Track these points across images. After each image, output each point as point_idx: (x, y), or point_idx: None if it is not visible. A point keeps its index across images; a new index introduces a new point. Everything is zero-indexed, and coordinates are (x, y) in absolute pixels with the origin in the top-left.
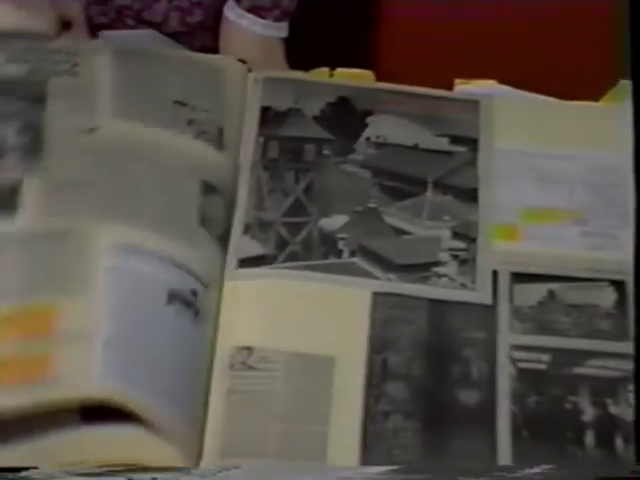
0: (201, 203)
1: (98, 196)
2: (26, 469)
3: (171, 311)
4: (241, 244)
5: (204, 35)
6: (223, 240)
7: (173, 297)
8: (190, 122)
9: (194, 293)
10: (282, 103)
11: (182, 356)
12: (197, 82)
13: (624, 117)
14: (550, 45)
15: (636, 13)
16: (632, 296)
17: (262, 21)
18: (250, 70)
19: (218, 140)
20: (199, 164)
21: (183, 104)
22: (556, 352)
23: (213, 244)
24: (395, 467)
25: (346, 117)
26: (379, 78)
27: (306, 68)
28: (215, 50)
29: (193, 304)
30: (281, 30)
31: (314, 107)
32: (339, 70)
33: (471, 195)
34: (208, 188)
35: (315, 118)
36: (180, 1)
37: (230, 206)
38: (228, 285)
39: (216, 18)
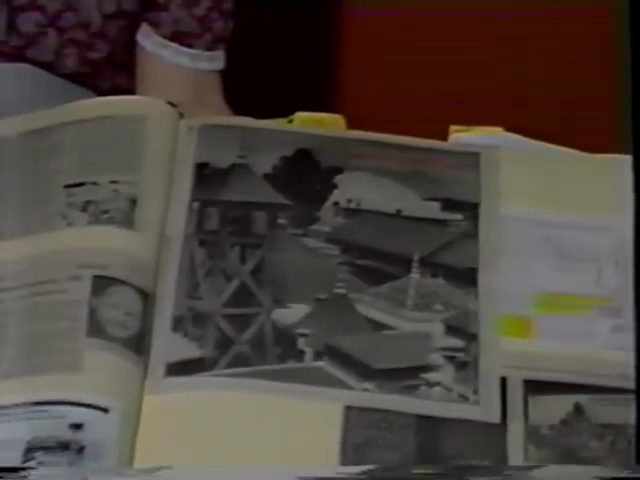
0: (93, 305)
1: None
2: (24, 469)
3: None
4: (170, 344)
5: (113, 73)
6: (137, 342)
7: (33, 450)
8: (86, 205)
9: (75, 427)
10: (223, 158)
11: None
12: (102, 145)
13: None
14: (570, 83)
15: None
16: None
17: (190, 51)
18: (182, 115)
19: (127, 216)
20: (92, 256)
21: (78, 185)
22: None
23: (116, 352)
24: (380, 466)
25: (307, 176)
26: (350, 125)
27: (254, 116)
28: (129, 92)
29: (72, 443)
30: (215, 61)
31: (265, 163)
32: (299, 114)
33: (469, 277)
34: (107, 282)
35: (267, 177)
36: (75, 33)
37: (149, 296)
38: (151, 400)
39: (128, 50)
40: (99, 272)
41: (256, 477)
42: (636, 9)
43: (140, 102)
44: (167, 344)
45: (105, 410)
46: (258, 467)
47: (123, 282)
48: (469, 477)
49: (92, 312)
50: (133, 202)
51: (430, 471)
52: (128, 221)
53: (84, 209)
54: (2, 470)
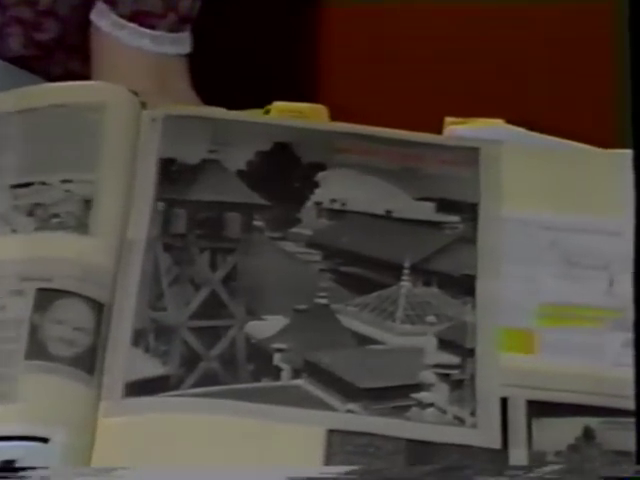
0: (36, 322)
1: None
2: (24, 469)
3: None
4: (129, 361)
5: (65, 58)
6: (89, 359)
7: None
8: (33, 209)
9: (6, 464)
10: (192, 153)
11: None
12: (54, 138)
13: None
14: (582, 71)
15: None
16: None
17: (152, 32)
18: (144, 105)
19: (80, 220)
20: (37, 267)
21: (25, 185)
22: None
23: (61, 373)
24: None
25: (286, 173)
26: (334, 116)
27: (226, 106)
28: (84, 79)
29: None
30: (181, 44)
31: (239, 158)
32: (277, 104)
33: (467, 285)
34: (53, 295)
35: (241, 174)
36: (20, 10)
37: (105, 308)
38: (107, 423)
39: (82, 31)
40: (44, 284)
41: (245, 477)
42: (636, 4)
43: (98, 89)
44: (126, 361)
45: (44, 440)
46: (246, 467)
47: (73, 294)
48: (476, 477)
49: (33, 331)
50: (88, 204)
51: (419, 471)
52: (81, 225)
53: (31, 213)
54: (2, 470)
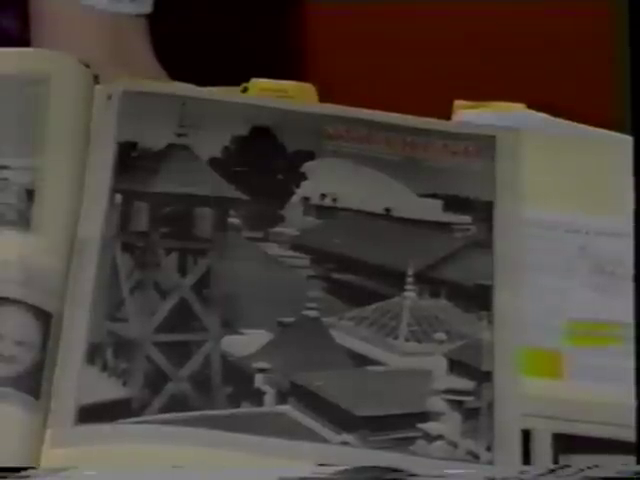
0: None
1: None
2: (25, 469)
3: None
4: (83, 382)
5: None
6: (34, 380)
7: None
8: None
9: None
10: (156, 136)
11: None
12: None
13: None
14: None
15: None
16: None
17: None
18: (97, 79)
19: (21, 213)
20: None
21: None
22: None
23: (1, 397)
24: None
25: (267, 162)
26: (323, 96)
27: (196, 82)
28: (21, 42)
29: None
30: (141, 2)
31: (212, 144)
32: (256, 82)
33: (481, 297)
34: None
35: (214, 162)
36: None
37: (53, 318)
38: (56, 455)
39: None
40: None
41: (236, 477)
42: None
43: (39, 57)
44: (79, 381)
45: None
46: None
47: (13, 301)
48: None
49: None
50: (30, 195)
51: (408, 472)
52: (22, 220)
53: None
54: (2, 470)
